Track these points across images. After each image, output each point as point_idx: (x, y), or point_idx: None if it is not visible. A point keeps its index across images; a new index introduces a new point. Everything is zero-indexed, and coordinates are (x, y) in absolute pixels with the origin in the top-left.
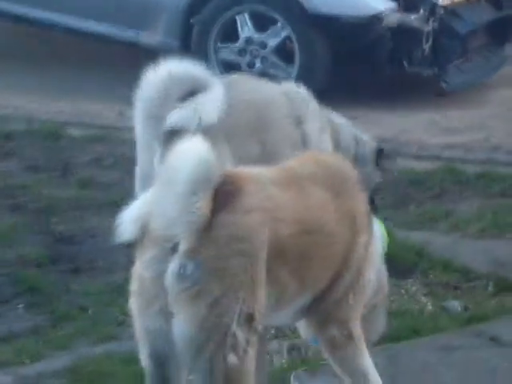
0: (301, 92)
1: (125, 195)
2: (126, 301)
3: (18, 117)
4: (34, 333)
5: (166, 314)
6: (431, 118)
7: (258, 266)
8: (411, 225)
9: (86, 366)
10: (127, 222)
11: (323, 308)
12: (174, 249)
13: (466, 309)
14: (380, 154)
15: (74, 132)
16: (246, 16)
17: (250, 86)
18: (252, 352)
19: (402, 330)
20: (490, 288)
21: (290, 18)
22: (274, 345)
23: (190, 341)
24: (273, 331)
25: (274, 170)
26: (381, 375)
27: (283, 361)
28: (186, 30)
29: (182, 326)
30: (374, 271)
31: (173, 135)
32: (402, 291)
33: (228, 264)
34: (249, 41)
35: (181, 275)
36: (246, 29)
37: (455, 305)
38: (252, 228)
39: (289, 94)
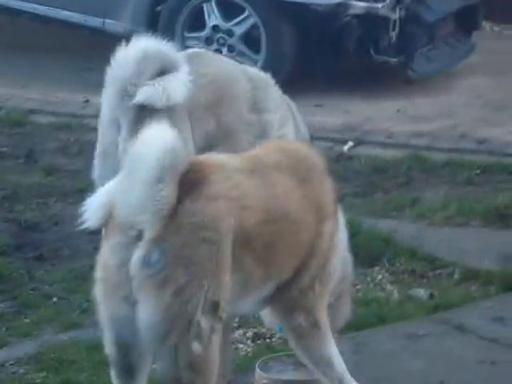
0: (264, 78)
1: (90, 183)
2: (91, 288)
3: None
4: None
5: (131, 302)
6: (398, 106)
7: (224, 254)
8: (378, 213)
9: (50, 353)
10: (92, 209)
11: (289, 296)
12: (138, 236)
13: (431, 297)
14: None
15: (41, 119)
16: (213, 4)
17: (213, 61)
18: (217, 340)
19: (367, 317)
20: (456, 276)
21: (256, 6)
22: (238, 333)
23: (155, 328)
24: (237, 320)
25: (240, 157)
26: (346, 363)
27: (248, 349)
28: (153, 18)
29: (146, 313)
30: (340, 259)
31: (141, 112)
32: (368, 279)
33: (193, 252)
34: (216, 29)
35: (146, 262)
36: (212, 17)
37: (421, 293)
38: (217, 216)
39: (251, 77)
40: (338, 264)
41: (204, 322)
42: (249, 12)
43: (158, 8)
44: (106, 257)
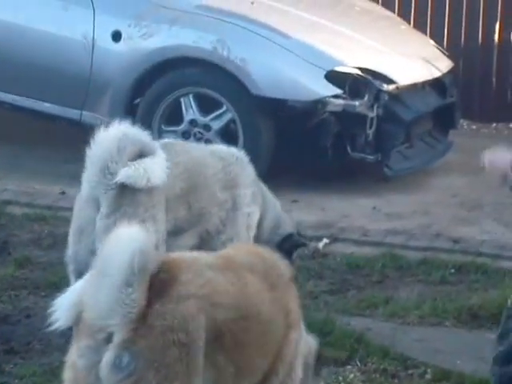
0: (236, 153)
1: (63, 276)
2: None
3: None
4: None
5: None
6: (374, 204)
7: (195, 355)
8: (351, 311)
9: None
10: (62, 309)
11: None
12: (107, 339)
13: None
14: (287, 238)
15: (16, 210)
16: (191, 98)
17: (183, 149)
18: None
19: None
20: (428, 376)
21: (234, 101)
22: None
23: None
24: None
25: (212, 255)
26: None
27: None
28: (131, 111)
29: None
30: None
31: (121, 190)
32: (340, 378)
33: (163, 355)
34: (193, 123)
35: (116, 366)
36: (190, 111)
37: None
38: (187, 317)
39: (222, 156)
40: (301, 373)
41: None
42: (226, 107)
43: (136, 101)
44: (75, 358)
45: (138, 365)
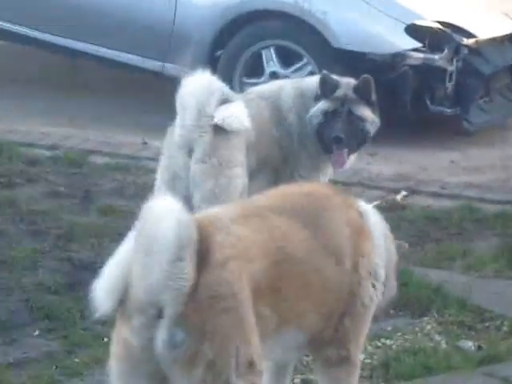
0: None
1: None
2: None
3: (44, 143)
4: (49, 359)
5: (158, 379)
6: (452, 157)
7: (246, 315)
8: (429, 263)
9: None
10: (102, 296)
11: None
12: (158, 315)
13: (479, 349)
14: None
15: (98, 160)
16: (272, 51)
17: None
18: None
19: (415, 367)
20: (505, 328)
21: (314, 54)
22: None
23: None
24: None
25: (231, 207)
26: None
27: None
28: (212, 64)
29: None
30: (379, 285)
31: (216, 134)
32: (417, 329)
33: (216, 325)
34: (274, 76)
35: (171, 343)
36: (271, 63)
37: (469, 344)
38: (232, 281)
39: None
40: (377, 292)
41: (242, 383)
42: (307, 60)
43: (218, 53)
44: (128, 336)
45: (192, 339)
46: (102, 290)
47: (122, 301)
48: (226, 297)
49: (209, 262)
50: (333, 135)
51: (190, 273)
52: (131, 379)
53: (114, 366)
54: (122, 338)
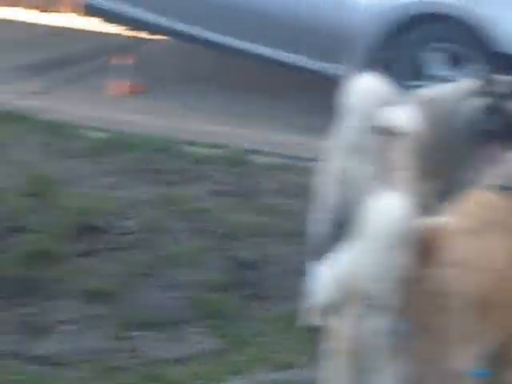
0: None
1: (305, 225)
2: (303, 330)
3: (208, 142)
4: (211, 356)
5: (367, 370)
6: None
7: (466, 321)
8: None
9: None
10: (325, 286)
11: None
12: (378, 306)
13: None
14: None
15: (260, 159)
16: (436, 53)
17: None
18: None
19: None
20: None
21: (479, 57)
22: None
23: None
24: None
25: (460, 218)
26: None
27: None
28: (375, 66)
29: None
30: None
31: (386, 138)
32: None
33: (435, 320)
34: (437, 78)
35: (392, 333)
36: (434, 66)
37: None
38: (457, 283)
39: None
40: None
41: None
42: (472, 63)
43: (382, 55)
44: (349, 329)
45: (413, 330)
46: (327, 281)
47: (342, 293)
48: (449, 296)
49: (437, 260)
50: (489, 131)
51: (409, 263)
52: (343, 372)
53: (339, 363)
54: (343, 332)
